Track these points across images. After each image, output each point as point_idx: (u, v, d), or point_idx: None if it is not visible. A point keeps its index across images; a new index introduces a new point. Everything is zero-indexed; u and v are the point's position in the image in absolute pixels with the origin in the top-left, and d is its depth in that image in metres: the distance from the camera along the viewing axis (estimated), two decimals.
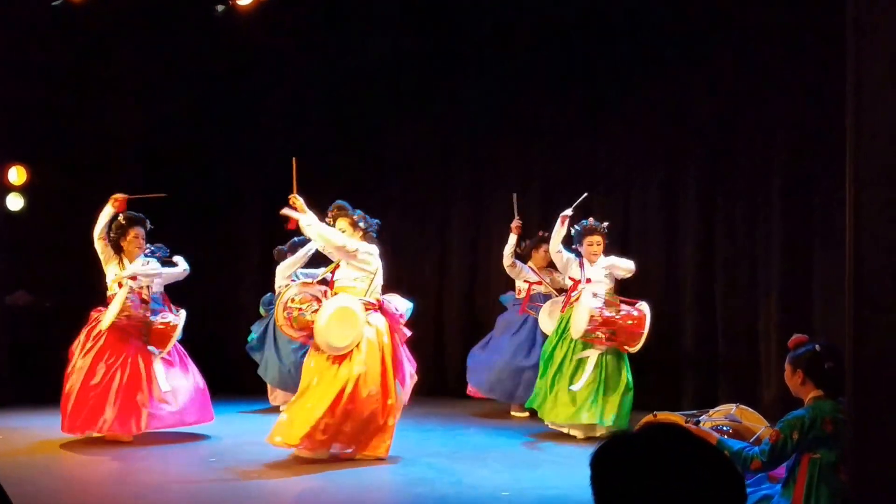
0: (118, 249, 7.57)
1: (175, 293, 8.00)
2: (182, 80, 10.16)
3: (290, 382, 8.56)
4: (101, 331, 7.45)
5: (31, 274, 9.86)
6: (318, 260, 8.33)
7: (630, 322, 7.68)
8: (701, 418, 4.69)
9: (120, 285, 7.47)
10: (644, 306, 7.75)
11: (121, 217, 7.54)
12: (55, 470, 6.87)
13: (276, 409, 9.05)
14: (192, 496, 6.13)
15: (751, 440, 4.34)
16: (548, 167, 10.03)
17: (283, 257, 9.14)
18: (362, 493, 6.22)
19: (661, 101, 9.46)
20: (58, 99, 9.73)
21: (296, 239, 8.66)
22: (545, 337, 8.39)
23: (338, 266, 7.05)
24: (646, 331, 7.62)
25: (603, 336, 7.67)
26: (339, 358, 6.78)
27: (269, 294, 9.31)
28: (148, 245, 7.73)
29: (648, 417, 4.63)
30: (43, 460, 7.05)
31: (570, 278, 8.10)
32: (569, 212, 8.02)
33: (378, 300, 7.02)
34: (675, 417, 4.64)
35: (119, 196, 7.55)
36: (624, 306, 7.79)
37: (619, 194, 9.66)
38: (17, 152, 9.49)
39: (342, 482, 6.36)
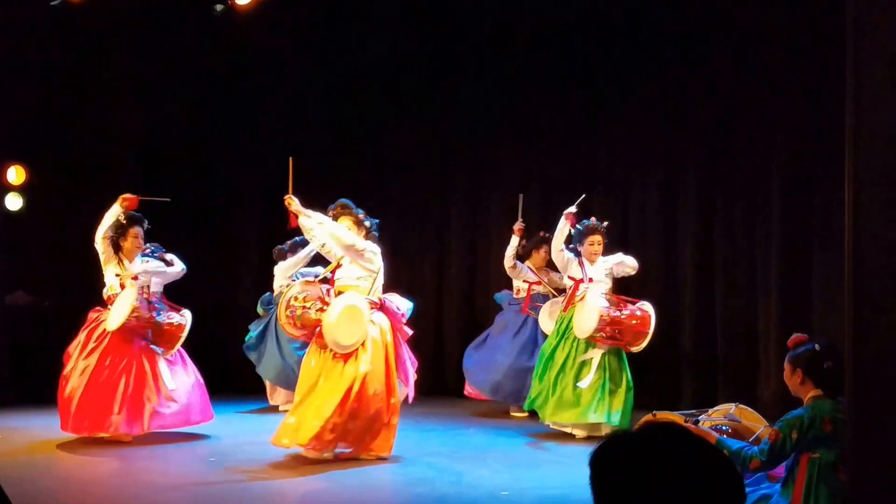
0: (117, 249, 7.56)
1: (174, 293, 7.98)
2: (181, 80, 10.16)
3: (293, 379, 8.55)
4: (104, 331, 7.41)
5: (31, 274, 9.86)
6: (318, 260, 8.33)
7: (634, 322, 7.69)
8: (700, 418, 4.68)
9: (122, 286, 7.45)
10: (647, 305, 7.75)
11: (121, 216, 7.51)
12: (55, 470, 6.87)
13: (275, 409, 9.06)
14: (192, 496, 6.13)
15: (750, 440, 4.34)
16: (547, 167, 10.03)
17: (283, 257, 9.14)
18: (362, 493, 6.22)
19: (660, 102, 9.47)
20: (57, 99, 9.73)
21: (297, 239, 8.65)
22: (546, 337, 8.38)
23: (339, 265, 7.02)
24: (651, 330, 7.63)
25: (607, 336, 7.66)
26: (345, 357, 6.75)
27: (267, 294, 9.31)
28: (146, 245, 7.72)
29: (648, 417, 4.63)
30: (42, 460, 7.04)
31: (569, 278, 8.09)
32: (573, 209, 8.02)
33: (380, 299, 7.02)
34: (675, 417, 4.63)
35: (129, 196, 7.52)
36: (628, 305, 7.80)
37: (618, 194, 9.66)
38: (16, 152, 9.49)
39: (343, 482, 6.36)
